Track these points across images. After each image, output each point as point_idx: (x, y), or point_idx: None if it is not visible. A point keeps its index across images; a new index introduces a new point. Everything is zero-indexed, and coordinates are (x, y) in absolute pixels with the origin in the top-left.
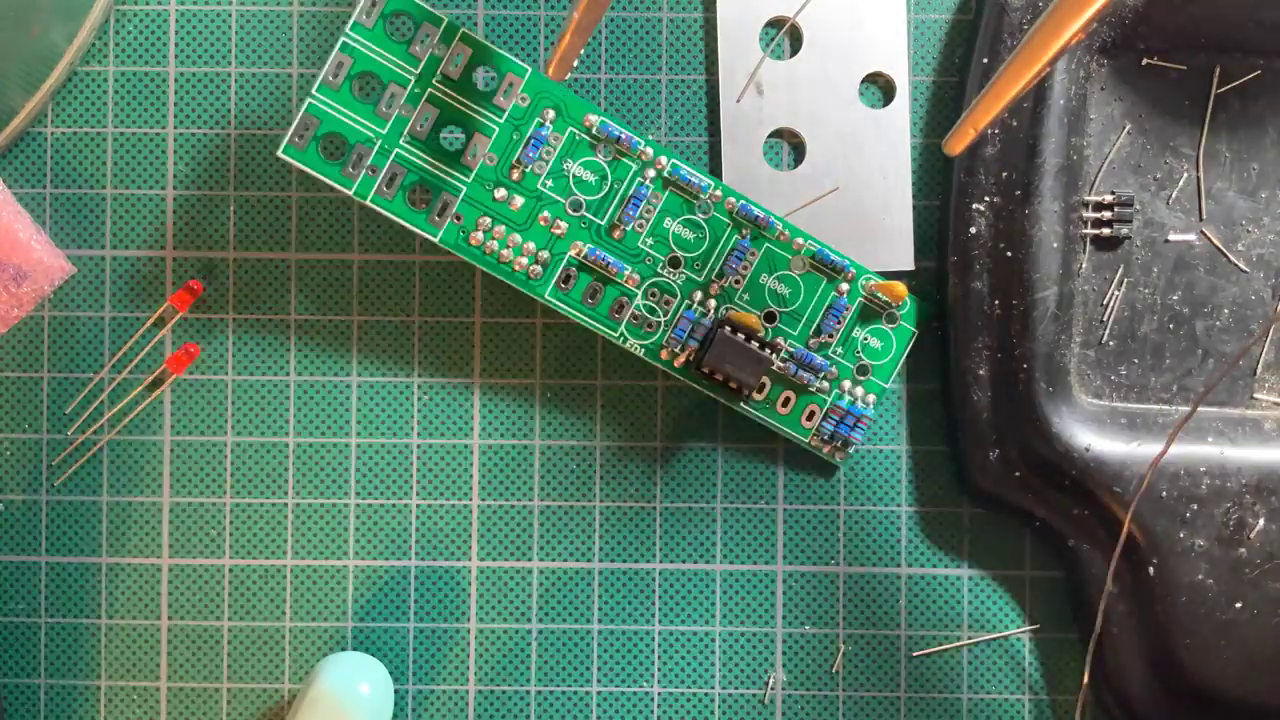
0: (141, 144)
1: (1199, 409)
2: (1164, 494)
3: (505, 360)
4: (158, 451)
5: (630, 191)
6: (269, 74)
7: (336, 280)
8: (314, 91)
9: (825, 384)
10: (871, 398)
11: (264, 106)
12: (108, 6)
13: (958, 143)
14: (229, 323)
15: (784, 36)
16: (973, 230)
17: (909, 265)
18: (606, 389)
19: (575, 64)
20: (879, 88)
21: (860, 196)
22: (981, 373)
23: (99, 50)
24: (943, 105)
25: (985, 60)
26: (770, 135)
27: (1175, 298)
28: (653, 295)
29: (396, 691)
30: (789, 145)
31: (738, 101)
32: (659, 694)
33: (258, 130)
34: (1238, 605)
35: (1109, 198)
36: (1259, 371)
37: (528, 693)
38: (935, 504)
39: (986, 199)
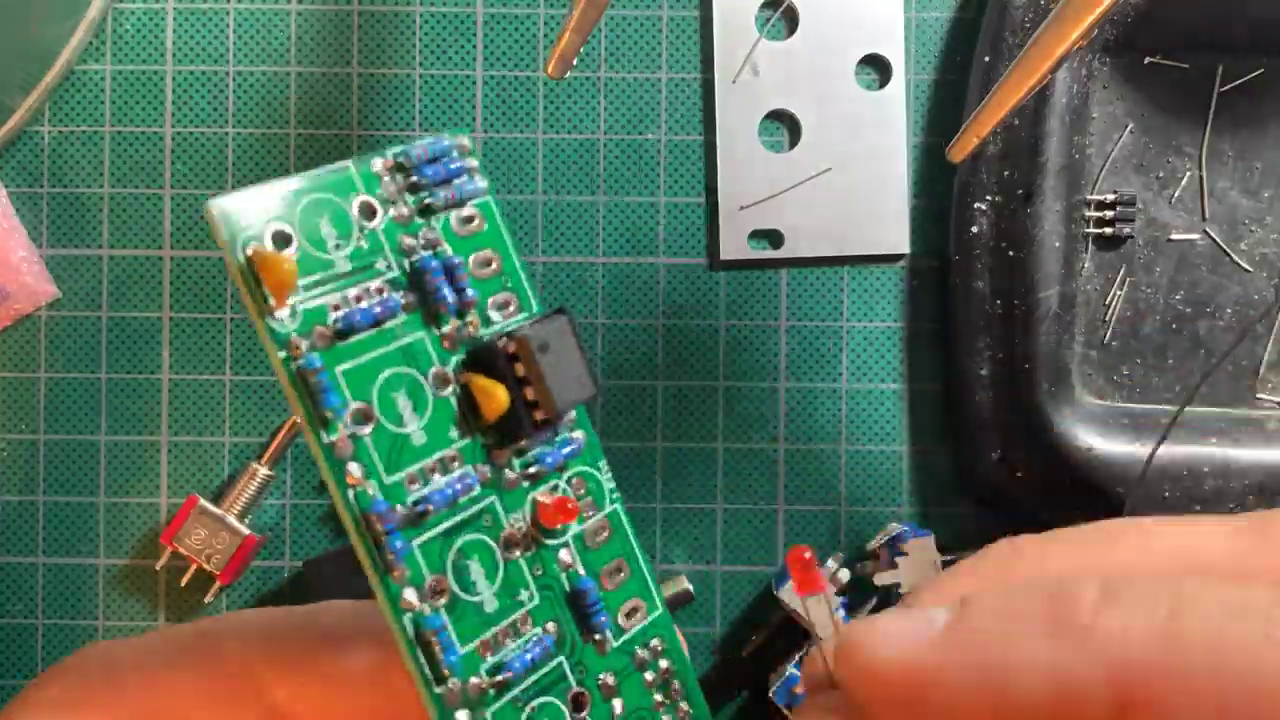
0: (139, 143)
1: (1201, 409)
2: (1166, 494)
3: None
4: (155, 452)
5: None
6: (266, 73)
7: None
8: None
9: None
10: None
11: (262, 105)
12: (105, 5)
13: (961, 150)
14: (227, 323)
15: (780, 17)
16: (974, 229)
17: (904, 249)
18: (607, 389)
19: (574, 63)
20: (875, 69)
21: (856, 178)
22: (983, 373)
23: (96, 49)
24: (944, 103)
25: (987, 59)
26: (766, 117)
27: (1178, 297)
28: None
29: None
30: (785, 127)
31: (733, 82)
32: None
33: (255, 129)
34: None
35: (1111, 197)
36: (1262, 372)
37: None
38: (935, 504)
39: (988, 198)
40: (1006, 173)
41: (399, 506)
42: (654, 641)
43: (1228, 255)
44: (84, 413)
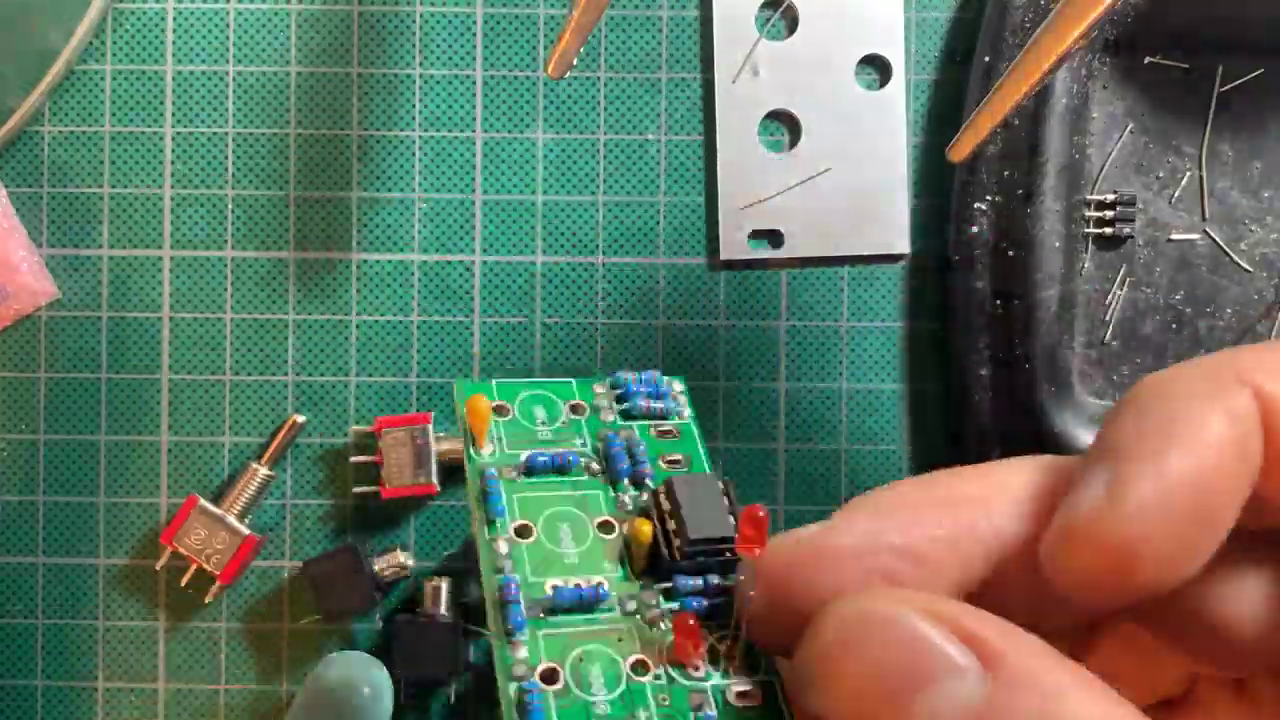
0: (139, 143)
1: None
2: None
3: (505, 360)
4: (155, 452)
5: None
6: (266, 73)
7: (336, 280)
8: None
9: None
10: None
11: (262, 105)
12: (105, 5)
13: (961, 150)
14: (227, 322)
15: (780, 17)
16: (974, 229)
17: (904, 249)
18: None
19: (574, 63)
20: (875, 69)
21: (856, 179)
22: (983, 373)
23: (96, 49)
24: (944, 103)
25: (987, 59)
26: (766, 117)
27: (1178, 297)
28: None
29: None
30: (785, 127)
31: (733, 82)
32: None
33: (255, 129)
34: None
35: (1111, 197)
36: None
37: None
38: None
39: (988, 198)
40: (1006, 173)
41: (531, 595)
42: None
43: (1228, 255)
44: (84, 413)
